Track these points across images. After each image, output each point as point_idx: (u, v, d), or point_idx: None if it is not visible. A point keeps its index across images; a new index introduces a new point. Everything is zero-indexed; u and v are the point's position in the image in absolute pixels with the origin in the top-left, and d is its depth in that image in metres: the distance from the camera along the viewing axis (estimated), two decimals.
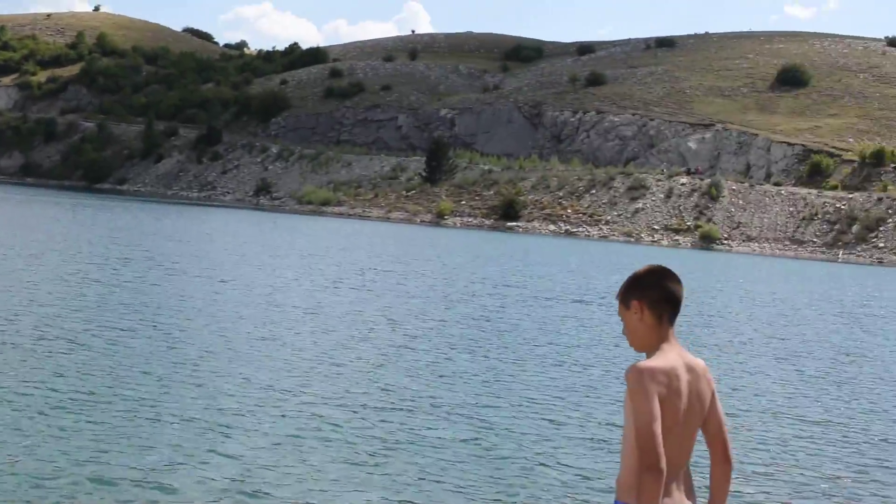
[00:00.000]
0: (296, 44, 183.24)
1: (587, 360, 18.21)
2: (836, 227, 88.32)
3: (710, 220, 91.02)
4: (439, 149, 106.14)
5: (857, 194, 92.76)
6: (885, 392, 17.36)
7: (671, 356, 4.24)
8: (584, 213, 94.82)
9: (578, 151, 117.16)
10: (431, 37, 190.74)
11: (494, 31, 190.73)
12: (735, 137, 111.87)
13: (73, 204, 72.74)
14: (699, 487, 4.55)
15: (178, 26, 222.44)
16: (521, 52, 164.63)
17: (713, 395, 4.35)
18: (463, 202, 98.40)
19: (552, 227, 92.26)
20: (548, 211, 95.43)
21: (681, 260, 61.50)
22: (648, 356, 4.29)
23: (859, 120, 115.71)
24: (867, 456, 12.49)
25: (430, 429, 12.06)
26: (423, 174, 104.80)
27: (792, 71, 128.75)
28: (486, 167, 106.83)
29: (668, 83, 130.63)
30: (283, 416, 12.14)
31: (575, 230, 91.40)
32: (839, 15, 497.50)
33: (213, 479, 9.47)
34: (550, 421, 12.98)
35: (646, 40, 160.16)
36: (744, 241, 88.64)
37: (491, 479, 10.19)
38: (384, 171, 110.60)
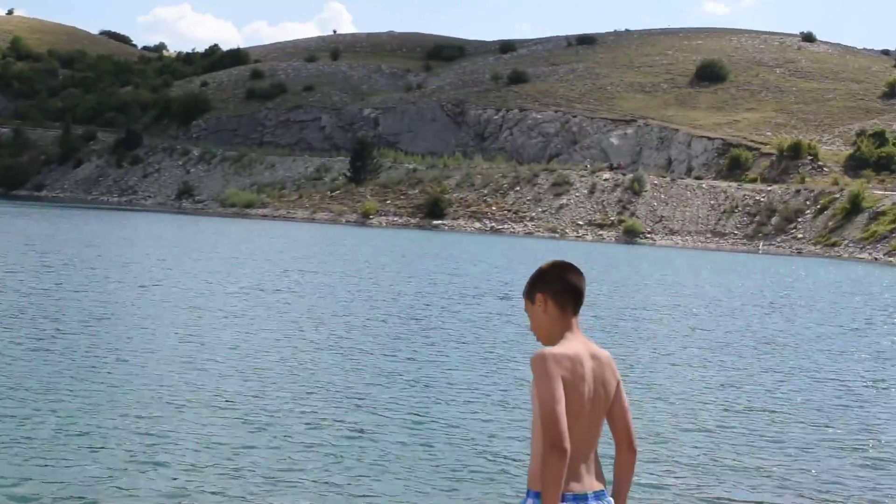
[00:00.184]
0: (216, 45, 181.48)
1: (513, 355, 18.19)
2: (756, 219, 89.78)
3: (633, 214, 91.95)
4: (363, 148, 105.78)
5: (775, 187, 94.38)
6: (807, 379, 17.59)
7: (575, 344, 4.39)
8: (509, 210, 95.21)
9: (502, 149, 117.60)
10: (353, 37, 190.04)
11: (416, 31, 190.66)
12: (656, 133, 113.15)
13: None
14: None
15: (94, 29, 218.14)
16: (444, 51, 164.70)
17: (618, 384, 4.47)
18: (388, 201, 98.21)
19: (477, 224, 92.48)
20: (473, 209, 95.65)
21: (605, 254, 62.01)
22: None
23: (776, 114, 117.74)
24: (793, 442, 12.61)
25: (359, 428, 11.92)
26: (348, 174, 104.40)
27: (710, 67, 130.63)
28: (411, 166, 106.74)
29: (590, 80, 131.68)
30: (206, 421, 11.91)
31: (500, 227, 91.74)
32: (755, 11, 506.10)
33: (142, 490, 9.23)
34: (477, 414, 12.91)
35: (567, 38, 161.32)
36: (666, 234, 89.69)
37: (424, 477, 10.08)
38: (308, 171, 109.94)
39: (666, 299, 32.48)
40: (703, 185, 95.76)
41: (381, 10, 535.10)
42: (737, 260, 65.97)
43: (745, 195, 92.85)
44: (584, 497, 4.30)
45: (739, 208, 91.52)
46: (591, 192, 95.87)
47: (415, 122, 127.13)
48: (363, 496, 9.48)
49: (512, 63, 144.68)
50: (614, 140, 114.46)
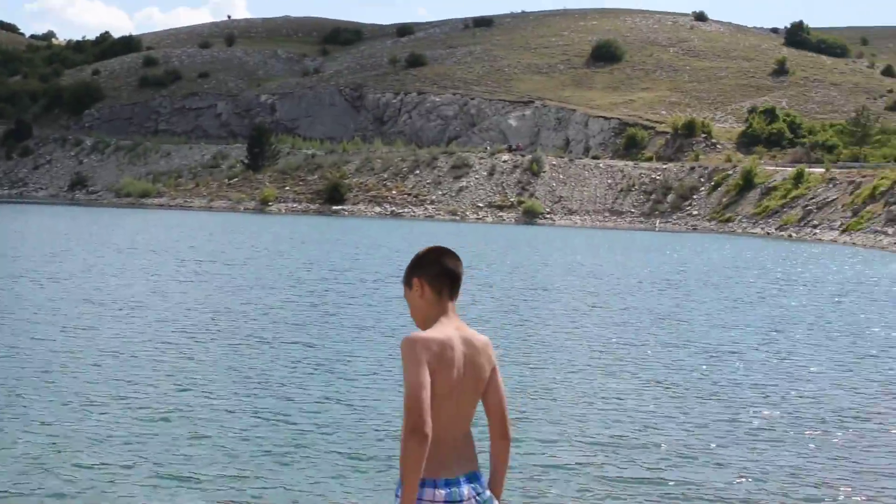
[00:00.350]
0: (107, 33, 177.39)
1: None
2: (653, 197, 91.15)
3: (532, 195, 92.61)
4: (261, 135, 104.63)
5: (671, 165, 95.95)
6: (701, 353, 17.89)
7: (448, 329, 4.36)
8: (409, 194, 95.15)
9: (401, 133, 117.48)
10: (248, 22, 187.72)
11: (312, 15, 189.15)
12: (554, 113, 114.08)
13: None
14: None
15: None
16: (340, 36, 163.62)
17: (494, 370, 4.49)
18: (287, 188, 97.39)
19: (378, 209, 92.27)
20: (373, 193, 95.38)
21: (505, 236, 62.38)
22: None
23: (671, 93, 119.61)
24: (691, 414, 12.81)
25: (261, 416, 11.77)
26: (245, 161, 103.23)
27: (606, 47, 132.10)
28: (310, 152, 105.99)
29: (487, 62, 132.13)
30: (102, 415, 11.66)
31: (400, 211, 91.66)
32: None
33: (35, 488, 8.99)
34: (378, 399, 12.86)
35: (464, 20, 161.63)
36: (566, 214, 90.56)
37: (327, 463, 10.00)
38: (205, 159, 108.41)
39: (565, 279, 32.78)
40: (601, 165, 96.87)
41: None
42: (634, 238, 66.92)
43: (641, 174, 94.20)
44: (457, 481, 4.30)
45: (636, 187, 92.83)
46: (491, 174, 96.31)
47: (312, 108, 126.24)
48: (265, 488, 9.36)
49: (410, 46, 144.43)
50: (513, 122, 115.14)
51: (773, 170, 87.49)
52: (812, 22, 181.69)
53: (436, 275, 4.46)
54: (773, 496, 9.60)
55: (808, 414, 13.14)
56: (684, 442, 11.51)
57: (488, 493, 4.43)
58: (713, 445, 11.37)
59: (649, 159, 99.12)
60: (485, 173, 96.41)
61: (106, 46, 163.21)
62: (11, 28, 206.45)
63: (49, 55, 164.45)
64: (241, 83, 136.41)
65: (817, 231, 70.61)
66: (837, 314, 24.66)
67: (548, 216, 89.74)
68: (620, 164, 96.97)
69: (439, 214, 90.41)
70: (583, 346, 18.23)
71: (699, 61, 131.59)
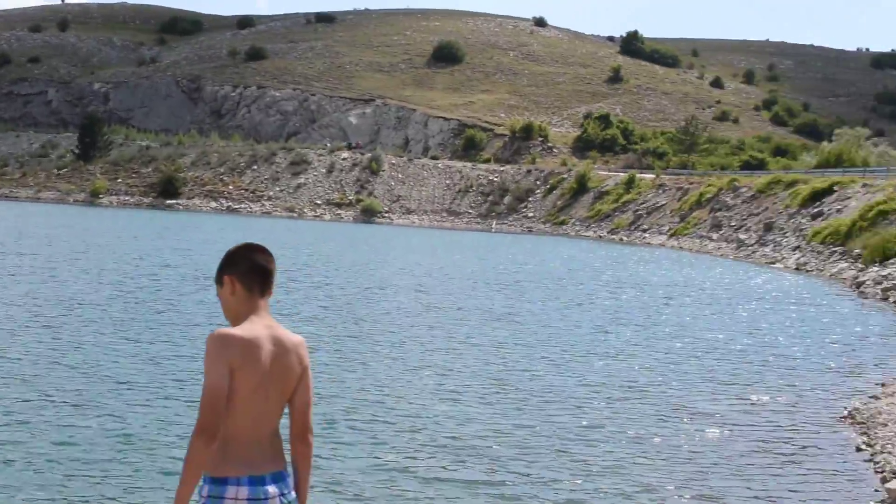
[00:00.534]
0: None
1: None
2: (490, 198, 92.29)
3: (371, 193, 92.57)
4: (93, 124, 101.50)
5: (508, 167, 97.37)
6: (535, 351, 18.06)
7: (257, 327, 4.31)
8: (246, 190, 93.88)
9: (239, 127, 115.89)
10: (83, 7, 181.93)
11: (150, 3, 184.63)
12: (394, 112, 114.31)
13: None
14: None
15: None
16: (179, 25, 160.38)
17: (304, 371, 4.43)
18: (119, 180, 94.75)
19: (213, 203, 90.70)
20: (209, 188, 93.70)
21: (343, 234, 62.10)
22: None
23: (510, 96, 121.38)
24: (522, 415, 12.85)
25: (71, 421, 11.28)
26: (76, 151, 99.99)
27: (447, 48, 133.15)
28: (144, 143, 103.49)
29: (329, 58, 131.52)
30: None
31: (237, 206, 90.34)
32: None
33: None
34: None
35: (306, 15, 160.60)
36: (404, 213, 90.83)
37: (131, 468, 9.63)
38: (33, 148, 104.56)
39: (401, 278, 32.75)
40: (439, 165, 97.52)
41: None
42: (471, 238, 67.50)
43: (479, 175, 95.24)
44: (262, 479, 4.23)
45: (474, 188, 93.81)
46: (330, 171, 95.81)
47: (148, 98, 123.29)
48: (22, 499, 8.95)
49: (250, 39, 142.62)
50: (353, 119, 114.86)
51: (606, 175, 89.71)
52: (646, 32, 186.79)
53: (246, 271, 4.41)
54: (605, 494, 9.70)
55: (637, 412, 13.36)
56: (515, 442, 11.53)
57: (294, 494, 4.38)
58: (544, 444, 11.43)
59: (487, 161, 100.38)
60: (324, 170, 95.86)
61: None
62: None
63: None
64: (73, 70, 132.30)
65: (646, 235, 72.63)
66: (665, 315, 25.32)
67: (386, 215, 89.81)
68: (459, 164, 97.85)
69: (276, 211, 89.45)
70: (416, 346, 18.17)
71: (538, 66, 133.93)
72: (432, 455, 10.83)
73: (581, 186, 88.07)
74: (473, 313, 23.79)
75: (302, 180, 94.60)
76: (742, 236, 60.05)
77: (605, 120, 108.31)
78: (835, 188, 55.68)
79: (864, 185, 52.99)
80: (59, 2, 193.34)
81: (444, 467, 10.41)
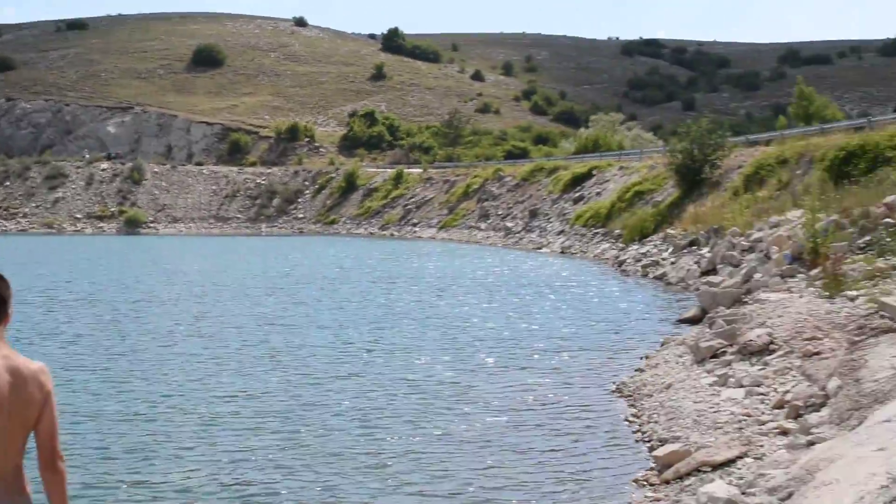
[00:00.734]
0: None
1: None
2: (258, 201, 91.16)
3: (134, 204, 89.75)
4: None
5: (275, 169, 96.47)
6: (305, 357, 17.81)
7: None
8: (0, 208, 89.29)
9: None
10: None
11: None
12: (155, 119, 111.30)
13: None
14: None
15: None
16: None
17: (47, 398, 4.21)
18: None
19: None
20: None
21: (105, 247, 59.93)
22: None
23: (273, 97, 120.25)
24: (293, 421, 12.61)
25: None
26: None
27: (207, 52, 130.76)
28: None
29: (83, 67, 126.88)
30: None
31: None
32: None
33: None
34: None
35: (56, 23, 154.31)
36: (170, 222, 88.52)
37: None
38: None
39: (168, 289, 31.79)
40: (205, 171, 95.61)
41: None
42: (241, 243, 66.44)
43: (246, 179, 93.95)
44: None
45: (241, 192, 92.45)
46: (89, 183, 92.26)
47: None
48: None
49: None
50: (111, 128, 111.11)
51: (375, 171, 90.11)
52: (407, 28, 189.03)
53: None
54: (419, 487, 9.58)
55: (415, 405, 13.34)
56: (280, 447, 11.30)
57: None
58: (322, 444, 11.23)
59: (253, 164, 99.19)
60: (82, 183, 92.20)
61: None
62: None
63: None
64: None
65: (417, 229, 73.37)
66: (437, 308, 25.52)
67: (151, 225, 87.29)
68: (225, 169, 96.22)
69: (34, 227, 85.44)
70: (182, 359, 17.61)
71: (300, 66, 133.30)
72: (201, 468, 10.46)
73: (350, 185, 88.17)
74: (247, 319, 23.31)
75: (60, 194, 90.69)
76: (509, 224, 61.50)
77: (370, 117, 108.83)
78: (594, 172, 57.75)
79: (621, 168, 55.17)
80: None
81: (207, 479, 10.06)
